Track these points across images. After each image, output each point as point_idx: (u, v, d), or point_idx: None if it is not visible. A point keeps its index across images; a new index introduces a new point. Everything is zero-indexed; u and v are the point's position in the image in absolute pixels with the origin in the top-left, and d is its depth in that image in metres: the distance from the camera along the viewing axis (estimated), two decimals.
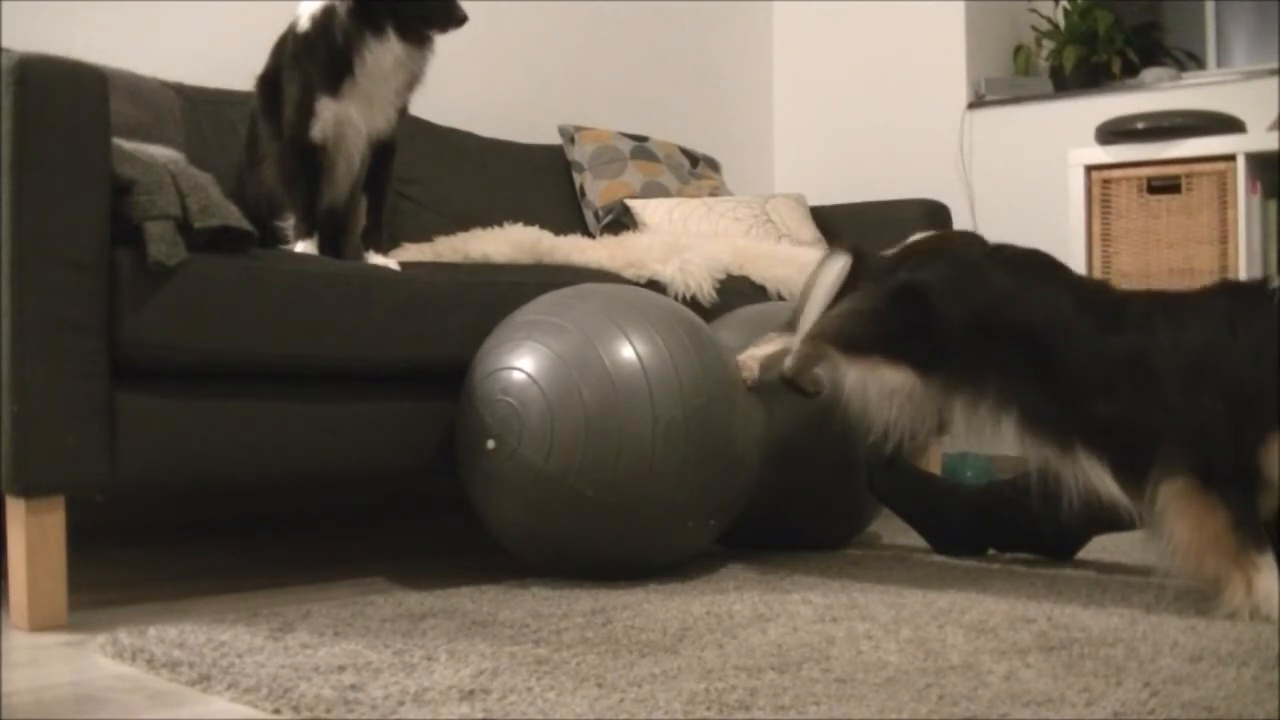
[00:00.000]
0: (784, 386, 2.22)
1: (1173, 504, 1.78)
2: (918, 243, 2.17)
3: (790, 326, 2.20)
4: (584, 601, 1.90)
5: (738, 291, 2.72)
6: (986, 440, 1.99)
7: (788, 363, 2.20)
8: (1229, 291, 1.91)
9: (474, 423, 2.07)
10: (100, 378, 1.82)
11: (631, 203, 3.33)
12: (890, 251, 2.14)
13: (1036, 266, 2.02)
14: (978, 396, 1.96)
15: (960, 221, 3.66)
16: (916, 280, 2.02)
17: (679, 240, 2.83)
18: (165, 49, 2.81)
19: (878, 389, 2.02)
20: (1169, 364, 1.82)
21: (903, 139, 4.02)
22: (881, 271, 2.10)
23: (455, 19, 2.25)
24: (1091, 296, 1.96)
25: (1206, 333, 1.83)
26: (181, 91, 2.66)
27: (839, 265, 2.14)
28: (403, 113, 2.35)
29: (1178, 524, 1.77)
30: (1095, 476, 1.87)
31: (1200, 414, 1.79)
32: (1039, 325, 1.93)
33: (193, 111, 2.66)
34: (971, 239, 2.17)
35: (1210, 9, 3.90)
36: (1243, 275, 3.10)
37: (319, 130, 2.24)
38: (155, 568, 2.40)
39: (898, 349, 2.01)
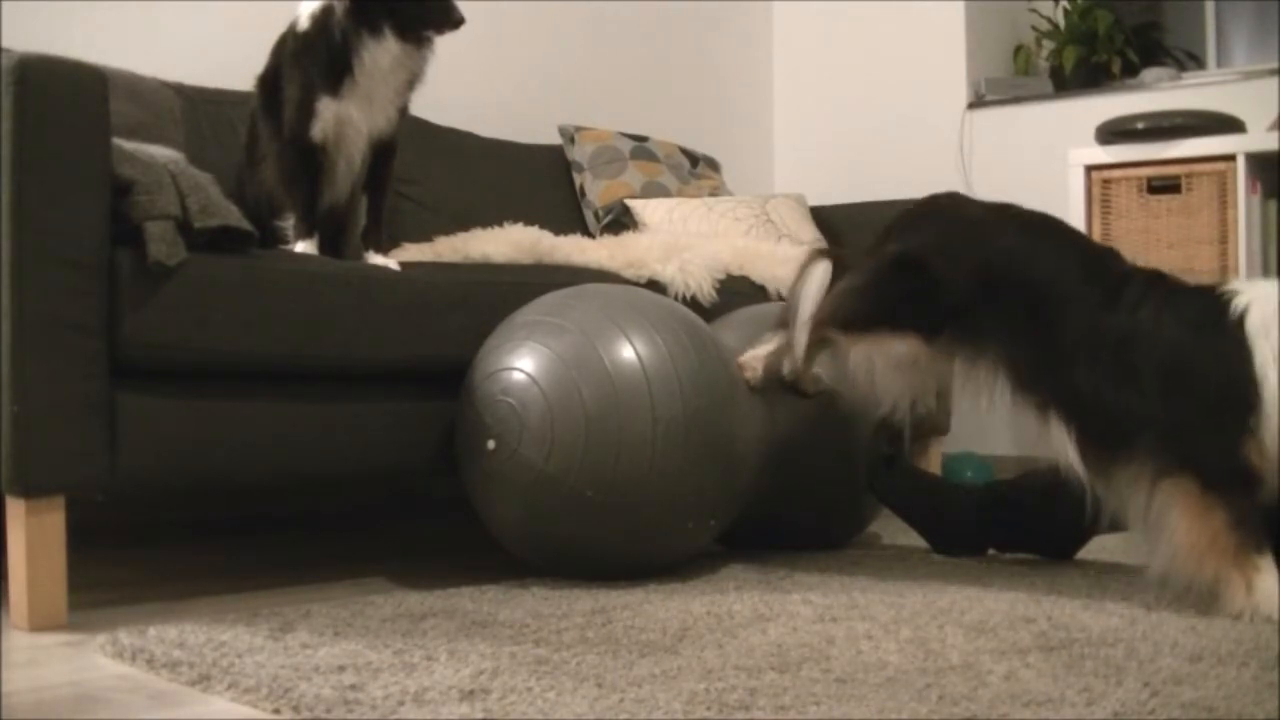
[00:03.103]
0: (783, 388, 2.23)
1: (1173, 503, 1.78)
2: (901, 215, 2.13)
3: (783, 324, 2.20)
4: (584, 601, 1.90)
5: (738, 291, 2.72)
6: (986, 430, 1.99)
7: (786, 365, 2.20)
8: (1224, 289, 1.90)
9: (474, 423, 2.07)
10: (100, 378, 1.82)
11: (631, 203, 3.33)
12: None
13: (1046, 226, 2.01)
14: (976, 354, 1.95)
15: None
16: (911, 247, 2.02)
17: (679, 240, 2.83)
18: (165, 49, 2.81)
19: (884, 361, 2.02)
20: (1154, 351, 1.83)
21: (903, 139, 4.02)
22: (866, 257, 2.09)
23: (452, 20, 2.25)
24: (1097, 265, 1.94)
25: (1194, 326, 1.83)
26: (181, 91, 2.66)
27: (821, 270, 2.15)
28: (403, 112, 2.35)
29: (1178, 524, 1.77)
30: (1059, 444, 1.88)
31: (1182, 408, 1.79)
32: (1043, 284, 1.92)
33: (193, 111, 2.66)
34: (960, 199, 2.14)
35: (1210, 9, 3.89)
36: (1243, 275, 3.10)
37: (319, 130, 2.24)
38: (155, 568, 2.40)
39: (901, 317, 2.00)
